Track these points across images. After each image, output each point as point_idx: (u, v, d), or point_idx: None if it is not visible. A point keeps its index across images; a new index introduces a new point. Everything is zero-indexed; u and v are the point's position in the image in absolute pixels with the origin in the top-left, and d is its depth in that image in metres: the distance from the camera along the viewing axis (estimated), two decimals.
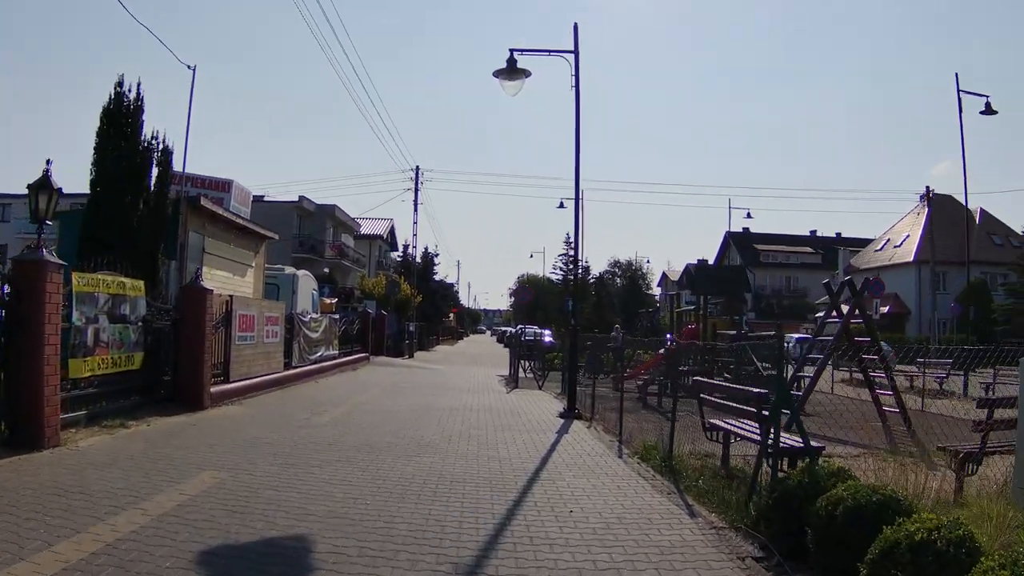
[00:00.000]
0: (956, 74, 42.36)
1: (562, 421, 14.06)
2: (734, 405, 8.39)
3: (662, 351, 23.80)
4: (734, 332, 22.76)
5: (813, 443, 7.15)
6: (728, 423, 9.15)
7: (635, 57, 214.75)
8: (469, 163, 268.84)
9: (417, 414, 13.98)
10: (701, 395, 9.55)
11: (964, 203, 34.67)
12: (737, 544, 6.07)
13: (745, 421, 8.75)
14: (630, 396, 14.68)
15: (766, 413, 7.49)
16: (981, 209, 55.18)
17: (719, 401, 8.90)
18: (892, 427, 12.30)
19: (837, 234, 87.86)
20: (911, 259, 51.91)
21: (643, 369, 21.24)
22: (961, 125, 31.73)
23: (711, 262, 79.94)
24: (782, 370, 6.69)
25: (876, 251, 59.44)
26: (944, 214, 49.35)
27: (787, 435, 7.73)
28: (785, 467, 7.08)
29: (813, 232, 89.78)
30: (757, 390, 7.67)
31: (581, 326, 17.54)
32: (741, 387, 9.25)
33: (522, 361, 24.95)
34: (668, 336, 31.15)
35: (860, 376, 21.07)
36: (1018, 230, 50.24)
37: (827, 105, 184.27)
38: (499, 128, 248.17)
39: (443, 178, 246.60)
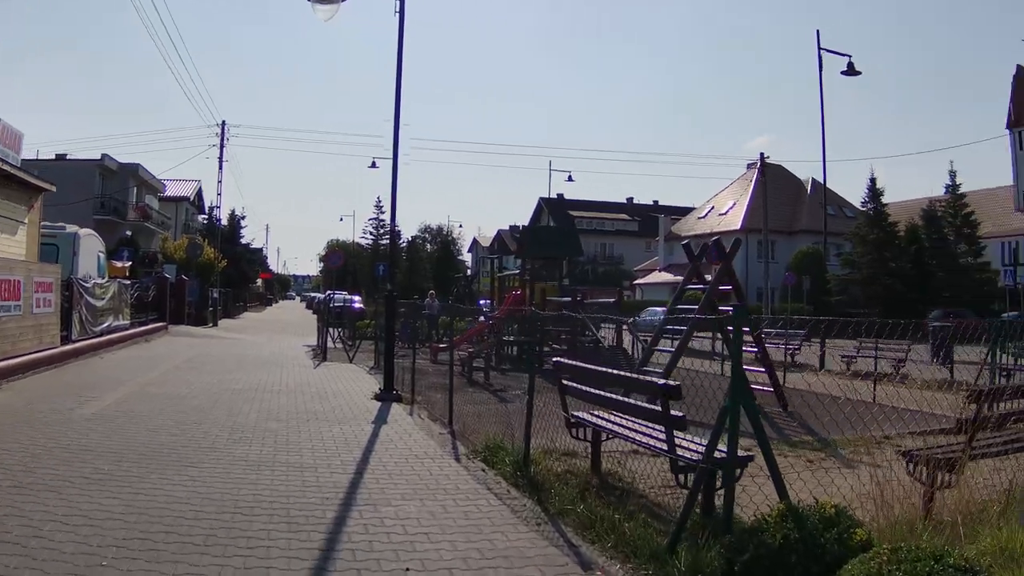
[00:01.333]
0: (817, 31, 43.14)
1: (379, 405, 12.30)
2: (623, 400, 6.43)
3: (482, 318, 22.29)
4: (568, 299, 21.33)
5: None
6: (604, 419, 7.26)
7: (459, 14, 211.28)
8: (280, 120, 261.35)
9: (209, 399, 12.04)
10: (564, 381, 7.64)
11: (823, 171, 35.31)
12: None
13: (625, 417, 6.91)
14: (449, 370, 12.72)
15: (677, 414, 5.64)
16: (813, 179, 57.13)
17: (597, 393, 6.89)
18: (771, 410, 11.07)
19: (655, 202, 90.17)
20: (738, 227, 52.98)
21: (465, 339, 19.62)
22: (821, 84, 32.26)
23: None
24: (738, 350, 4.76)
25: (700, 218, 60.63)
26: (772, 183, 50.47)
27: (681, 435, 5.95)
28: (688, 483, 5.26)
29: (630, 199, 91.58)
30: (662, 381, 5.79)
31: (396, 292, 15.78)
32: (632, 375, 7.34)
33: (331, 330, 24.23)
34: (481, 301, 29.60)
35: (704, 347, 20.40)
36: (855, 202, 52.09)
37: (648, 72, 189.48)
38: (312, 85, 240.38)
39: (252, 135, 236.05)
